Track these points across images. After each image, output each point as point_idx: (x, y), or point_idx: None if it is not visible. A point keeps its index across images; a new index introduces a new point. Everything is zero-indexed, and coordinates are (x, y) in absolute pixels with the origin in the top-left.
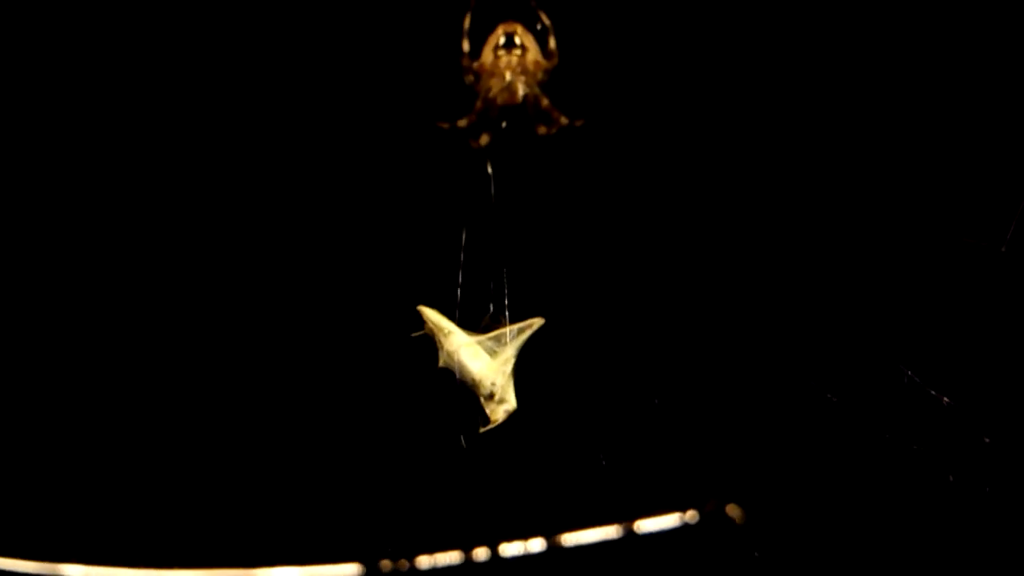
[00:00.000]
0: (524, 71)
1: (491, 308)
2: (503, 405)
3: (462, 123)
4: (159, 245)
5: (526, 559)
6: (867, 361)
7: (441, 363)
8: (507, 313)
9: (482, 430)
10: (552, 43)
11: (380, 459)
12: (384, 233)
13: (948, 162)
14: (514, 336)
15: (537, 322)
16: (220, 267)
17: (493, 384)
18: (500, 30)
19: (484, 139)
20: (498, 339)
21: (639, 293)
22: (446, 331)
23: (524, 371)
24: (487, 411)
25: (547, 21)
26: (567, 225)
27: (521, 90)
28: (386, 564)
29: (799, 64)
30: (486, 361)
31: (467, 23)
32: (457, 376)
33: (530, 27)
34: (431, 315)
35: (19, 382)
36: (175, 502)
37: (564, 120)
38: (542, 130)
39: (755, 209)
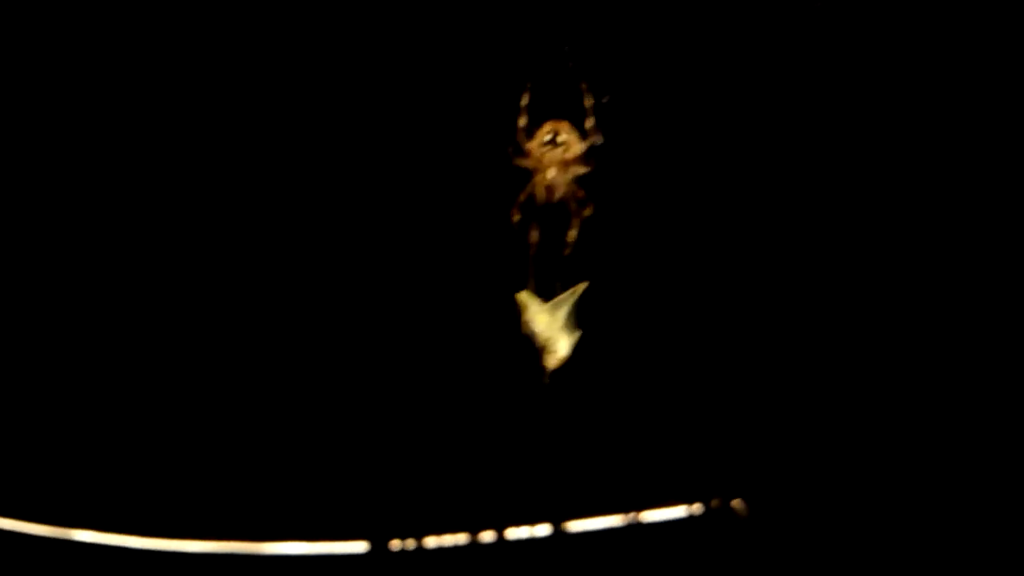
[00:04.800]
0: (566, 168)
1: (558, 286)
2: (553, 355)
3: (515, 218)
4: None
5: (532, 543)
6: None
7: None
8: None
9: (545, 380)
10: (589, 123)
11: (390, 438)
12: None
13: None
14: (565, 300)
15: (581, 287)
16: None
17: (547, 338)
18: (547, 127)
19: (534, 236)
20: (556, 304)
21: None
22: (527, 307)
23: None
24: (543, 361)
25: (589, 102)
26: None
27: (561, 188)
28: (394, 542)
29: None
30: (545, 320)
31: (525, 99)
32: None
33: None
34: (524, 297)
35: (31, 347)
36: (185, 474)
37: (588, 212)
38: (572, 236)
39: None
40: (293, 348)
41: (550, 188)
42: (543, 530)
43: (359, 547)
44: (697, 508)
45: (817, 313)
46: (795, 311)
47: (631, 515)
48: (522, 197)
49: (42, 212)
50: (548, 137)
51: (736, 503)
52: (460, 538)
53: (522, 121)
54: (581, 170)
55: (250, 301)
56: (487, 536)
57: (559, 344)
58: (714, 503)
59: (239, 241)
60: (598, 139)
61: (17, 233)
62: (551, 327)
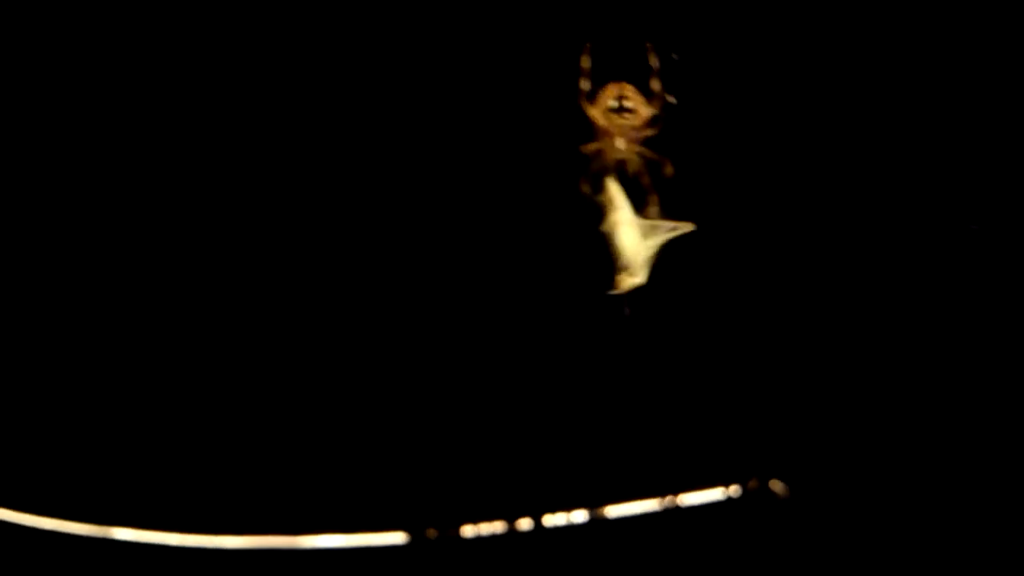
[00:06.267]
0: (635, 136)
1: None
2: (632, 278)
3: (586, 189)
4: None
5: (569, 530)
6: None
7: (602, 227)
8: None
9: (610, 292)
10: (656, 86)
11: (426, 429)
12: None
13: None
14: (666, 230)
15: (687, 226)
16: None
17: (631, 255)
18: (612, 91)
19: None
20: (654, 227)
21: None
22: (618, 204)
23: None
24: (617, 279)
25: (655, 63)
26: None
27: (634, 162)
28: (431, 533)
29: None
30: (636, 239)
31: (586, 63)
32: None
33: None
34: (613, 187)
35: (70, 347)
36: (223, 470)
37: (669, 172)
38: (645, 180)
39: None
40: (330, 337)
41: (621, 162)
42: (580, 516)
43: (397, 538)
44: (735, 490)
45: (861, 296)
46: (842, 289)
47: (668, 499)
48: (592, 168)
49: (43, 212)
50: (614, 103)
51: (775, 484)
52: (497, 526)
53: (584, 85)
54: (649, 133)
55: (286, 294)
56: (524, 524)
57: (640, 269)
58: (752, 485)
59: (282, 229)
60: (668, 102)
61: (38, 233)
62: (639, 247)
